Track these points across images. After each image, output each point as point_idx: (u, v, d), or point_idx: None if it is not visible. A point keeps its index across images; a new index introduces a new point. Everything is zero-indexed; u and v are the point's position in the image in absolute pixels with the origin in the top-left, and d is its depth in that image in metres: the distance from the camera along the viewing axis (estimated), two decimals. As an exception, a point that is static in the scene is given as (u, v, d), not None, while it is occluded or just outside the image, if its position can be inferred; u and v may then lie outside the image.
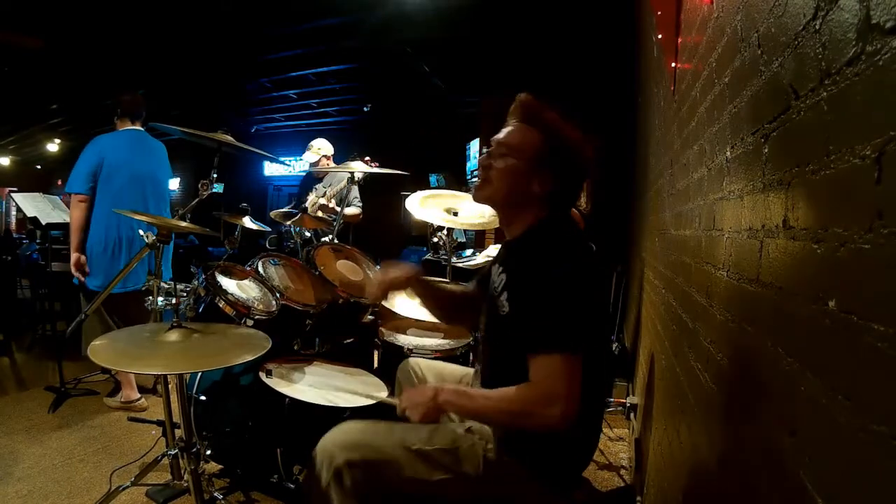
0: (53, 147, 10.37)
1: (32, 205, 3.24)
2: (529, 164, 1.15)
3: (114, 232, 2.59)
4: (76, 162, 2.60)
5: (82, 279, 2.58)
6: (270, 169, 10.74)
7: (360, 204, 3.54)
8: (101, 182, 2.58)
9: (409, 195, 2.29)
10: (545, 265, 1.06)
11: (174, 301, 1.58)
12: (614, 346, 3.27)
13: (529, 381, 1.01)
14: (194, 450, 1.56)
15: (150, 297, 1.63)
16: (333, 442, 1.08)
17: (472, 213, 2.28)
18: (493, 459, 1.09)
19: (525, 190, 1.16)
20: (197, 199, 1.78)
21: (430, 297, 1.46)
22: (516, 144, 1.16)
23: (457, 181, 6.81)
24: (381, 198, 4.35)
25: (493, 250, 3.07)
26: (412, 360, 1.52)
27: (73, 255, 2.58)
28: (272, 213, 3.21)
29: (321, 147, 3.76)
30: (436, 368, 1.50)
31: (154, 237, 1.55)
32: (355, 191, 3.53)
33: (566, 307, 1.03)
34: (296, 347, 1.94)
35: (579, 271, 1.07)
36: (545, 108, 1.18)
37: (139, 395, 2.73)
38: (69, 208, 2.71)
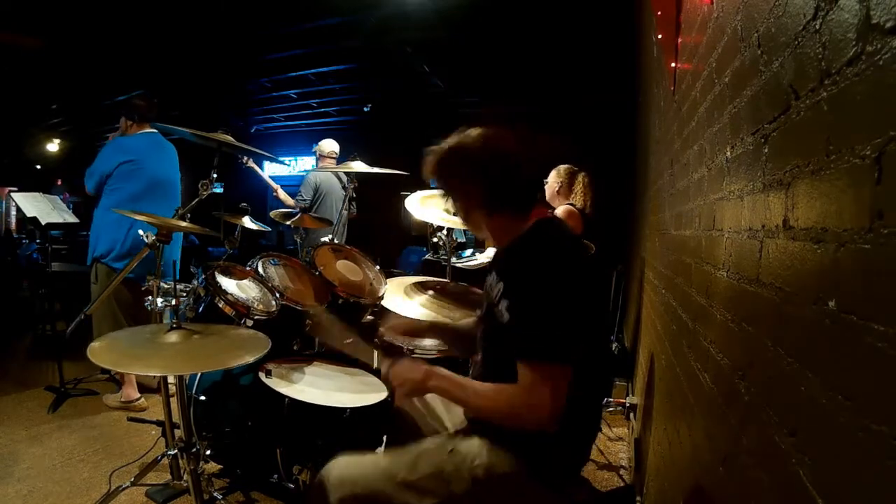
0: (53, 147, 10.35)
1: (33, 205, 3.23)
2: (480, 197, 1.18)
3: (132, 231, 2.62)
4: (97, 158, 2.65)
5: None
6: (270, 169, 10.69)
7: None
8: (120, 182, 2.62)
9: (409, 195, 2.28)
10: (536, 273, 1.08)
11: (174, 302, 1.58)
12: (614, 346, 3.27)
13: (518, 383, 1.03)
14: (194, 450, 1.56)
15: (150, 298, 1.63)
16: (325, 482, 1.10)
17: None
18: (482, 476, 1.09)
19: (495, 212, 1.20)
20: (197, 199, 1.78)
21: (448, 339, 1.53)
22: (460, 191, 1.22)
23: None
24: (382, 198, 4.36)
25: (493, 251, 3.07)
26: None
27: None
28: (272, 213, 3.21)
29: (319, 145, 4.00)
30: None
31: (154, 237, 1.56)
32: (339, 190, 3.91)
33: (557, 317, 1.04)
34: (295, 347, 1.94)
35: (569, 277, 1.09)
36: (449, 150, 1.21)
37: (139, 395, 2.73)
38: (74, 207, 2.73)
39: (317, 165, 4.03)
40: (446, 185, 1.25)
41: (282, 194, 4.07)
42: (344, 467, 1.12)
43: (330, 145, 3.98)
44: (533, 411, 1.01)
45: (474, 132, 1.21)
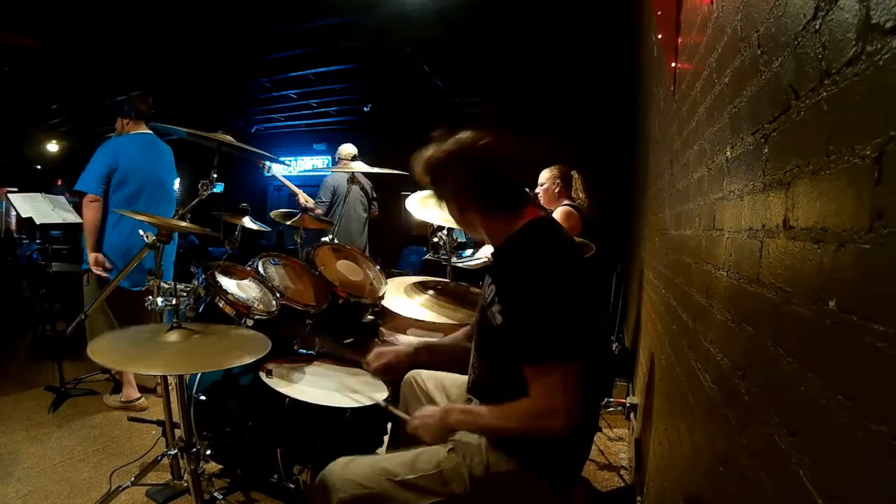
0: (53, 147, 10.35)
1: (31, 205, 3.20)
2: (471, 198, 1.21)
3: (131, 234, 2.61)
4: (89, 162, 2.62)
5: (106, 276, 2.60)
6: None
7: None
8: (115, 186, 2.60)
9: (409, 195, 2.28)
10: (529, 275, 1.09)
11: (174, 301, 1.58)
12: (614, 346, 3.27)
13: (529, 394, 1.04)
14: (194, 450, 1.56)
15: (150, 297, 1.63)
16: (325, 483, 1.11)
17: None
18: (481, 474, 1.10)
19: (487, 211, 1.22)
20: (197, 199, 1.78)
21: (443, 360, 1.52)
22: (453, 192, 1.25)
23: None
24: (382, 198, 4.37)
25: (490, 249, 3.06)
26: (414, 373, 1.55)
27: (91, 256, 2.61)
28: (272, 213, 3.22)
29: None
30: (438, 379, 1.52)
31: (154, 237, 1.56)
32: (355, 191, 4.06)
33: (556, 317, 1.05)
34: (295, 347, 1.94)
35: (561, 276, 1.10)
36: (436, 157, 1.24)
37: (139, 395, 2.73)
38: (74, 207, 2.71)
39: (335, 166, 4.20)
40: (439, 188, 1.27)
41: (301, 199, 4.17)
42: (344, 468, 1.13)
43: (348, 148, 4.13)
44: (549, 419, 1.01)
45: (461, 135, 1.22)
